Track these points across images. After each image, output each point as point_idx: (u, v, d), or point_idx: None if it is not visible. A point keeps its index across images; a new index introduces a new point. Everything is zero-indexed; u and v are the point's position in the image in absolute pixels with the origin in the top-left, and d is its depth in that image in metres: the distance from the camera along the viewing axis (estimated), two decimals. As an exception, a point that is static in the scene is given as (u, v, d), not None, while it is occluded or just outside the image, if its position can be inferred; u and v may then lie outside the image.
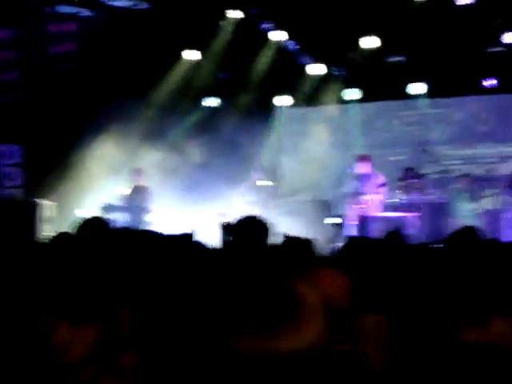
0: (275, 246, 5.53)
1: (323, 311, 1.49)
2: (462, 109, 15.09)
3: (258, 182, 14.42)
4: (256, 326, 1.48)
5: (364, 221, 12.69)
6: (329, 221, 8.76)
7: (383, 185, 12.74)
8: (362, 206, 12.75)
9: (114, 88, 14.92)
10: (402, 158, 14.96)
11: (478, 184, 13.80)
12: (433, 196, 13.66)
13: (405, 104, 15.63)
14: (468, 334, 1.71)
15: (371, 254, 4.34)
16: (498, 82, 14.37)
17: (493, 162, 14.83)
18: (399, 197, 13.70)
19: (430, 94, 15.01)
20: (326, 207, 14.55)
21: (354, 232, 12.08)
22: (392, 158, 14.86)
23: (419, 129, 15.19)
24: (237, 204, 14.18)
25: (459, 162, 14.70)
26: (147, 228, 13.15)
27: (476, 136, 15.06)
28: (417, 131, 15.19)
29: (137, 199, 14.23)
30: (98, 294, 1.89)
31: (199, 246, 6.24)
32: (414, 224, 13.31)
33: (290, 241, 6.41)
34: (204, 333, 1.51)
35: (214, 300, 1.54)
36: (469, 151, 15.06)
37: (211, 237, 8.22)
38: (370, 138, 15.48)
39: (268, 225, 4.26)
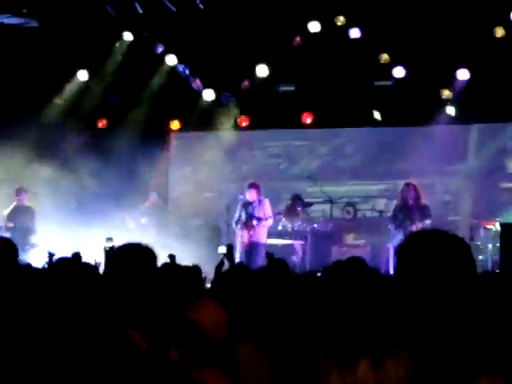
0: (162, 272, 5.49)
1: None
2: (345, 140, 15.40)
3: (153, 205, 14.35)
4: None
5: (251, 247, 12.81)
6: (221, 249, 8.79)
7: (279, 214, 12.94)
8: (250, 232, 12.87)
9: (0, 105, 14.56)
10: (290, 186, 15.14)
11: (363, 215, 14.14)
12: (319, 224, 13.88)
13: (294, 133, 15.85)
14: (335, 378, 1.71)
15: (252, 283, 4.35)
16: (382, 116, 14.76)
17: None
18: (285, 224, 13.88)
19: (318, 123, 15.26)
20: (217, 232, 14.62)
21: (243, 258, 12.20)
22: (279, 186, 15.03)
23: (307, 158, 15.42)
24: (129, 227, 14.07)
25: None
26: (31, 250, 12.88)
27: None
28: (304, 160, 15.43)
29: (20, 220, 13.87)
30: None
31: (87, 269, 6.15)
32: (298, 252, 13.52)
33: (177, 268, 6.40)
34: None
35: None
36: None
37: (96, 260, 8.09)
38: (259, 166, 15.64)
39: (153, 252, 4.22)
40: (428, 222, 12.24)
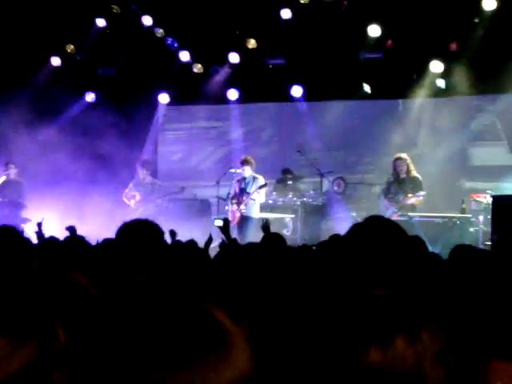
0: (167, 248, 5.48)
1: (243, 336, 1.48)
2: (335, 113, 15.39)
3: (143, 179, 14.33)
4: (182, 361, 1.41)
5: (244, 221, 12.84)
6: (218, 223, 8.76)
7: (263, 186, 12.91)
8: (242, 207, 12.88)
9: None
10: (280, 159, 15.13)
11: (352, 188, 14.17)
12: (309, 198, 13.91)
13: (283, 106, 15.82)
14: (375, 354, 1.72)
15: (252, 257, 4.33)
16: (371, 89, 14.74)
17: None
18: (275, 198, 13.90)
19: (307, 97, 15.24)
20: (207, 207, 14.64)
21: (235, 234, 12.19)
22: (270, 159, 15.01)
23: (296, 131, 15.39)
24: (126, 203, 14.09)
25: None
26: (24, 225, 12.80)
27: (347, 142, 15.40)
28: (293, 133, 15.40)
29: (9, 193, 13.80)
30: (36, 307, 1.82)
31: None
32: (289, 225, 13.56)
33: (177, 243, 6.39)
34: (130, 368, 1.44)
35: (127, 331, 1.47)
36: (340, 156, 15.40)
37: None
38: (250, 139, 15.61)
39: (159, 228, 4.22)
40: (422, 193, 12.33)
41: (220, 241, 7.55)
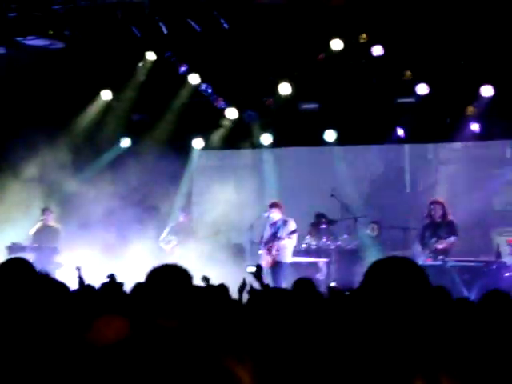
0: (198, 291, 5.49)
1: None
2: (370, 158, 15.39)
3: (181, 224, 14.43)
4: None
5: (276, 266, 12.81)
6: (250, 269, 8.77)
7: (294, 231, 12.90)
8: (274, 252, 12.86)
9: (27, 124, 14.68)
10: (314, 204, 15.08)
11: (387, 232, 14.07)
12: (343, 242, 13.84)
13: (316, 150, 15.82)
14: None
15: (281, 304, 4.31)
16: (405, 133, 14.68)
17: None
18: (309, 242, 13.87)
19: (340, 141, 15.24)
20: (241, 251, 14.65)
21: (267, 278, 12.16)
22: (303, 205, 14.98)
23: (330, 176, 15.37)
24: (161, 247, 14.16)
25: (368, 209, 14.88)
26: (56, 270, 12.91)
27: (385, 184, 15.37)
28: (328, 178, 15.38)
29: (45, 239, 13.95)
30: None
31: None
32: (323, 270, 13.49)
33: (208, 287, 6.42)
34: None
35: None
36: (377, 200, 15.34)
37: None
38: (283, 184, 15.60)
39: (188, 273, 4.24)
40: (453, 238, 12.20)
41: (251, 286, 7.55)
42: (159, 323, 3.88)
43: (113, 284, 6.57)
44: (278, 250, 12.87)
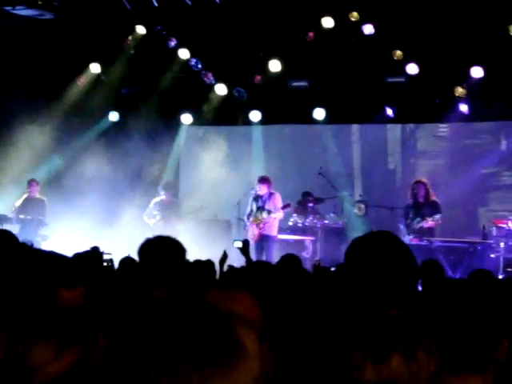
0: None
1: (259, 358, 1.51)
2: (358, 137, 15.40)
3: (164, 198, 14.39)
4: (192, 364, 1.48)
5: (262, 241, 12.85)
6: (237, 244, 8.80)
7: (288, 205, 12.97)
8: (261, 225, 12.90)
9: (14, 94, 14.58)
10: (301, 182, 15.08)
11: (374, 211, 14.11)
12: (330, 221, 13.87)
13: (305, 128, 15.81)
14: (369, 372, 1.71)
15: (269, 278, 4.32)
16: (394, 113, 14.66)
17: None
18: (296, 220, 13.88)
19: (330, 119, 15.22)
20: (228, 227, 14.66)
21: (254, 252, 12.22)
22: (291, 182, 14.97)
23: (318, 154, 15.37)
24: (147, 223, 14.14)
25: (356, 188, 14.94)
26: (43, 242, 12.89)
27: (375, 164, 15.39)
28: (316, 156, 15.38)
29: (31, 211, 13.89)
30: (81, 316, 1.91)
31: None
32: (309, 248, 13.53)
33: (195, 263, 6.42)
34: (138, 369, 1.52)
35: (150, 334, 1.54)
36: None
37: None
38: (271, 161, 15.58)
39: (182, 245, 4.26)
40: (438, 216, 12.23)
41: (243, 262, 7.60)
42: (150, 292, 3.91)
43: (92, 254, 6.58)
44: (264, 224, 12.91)
